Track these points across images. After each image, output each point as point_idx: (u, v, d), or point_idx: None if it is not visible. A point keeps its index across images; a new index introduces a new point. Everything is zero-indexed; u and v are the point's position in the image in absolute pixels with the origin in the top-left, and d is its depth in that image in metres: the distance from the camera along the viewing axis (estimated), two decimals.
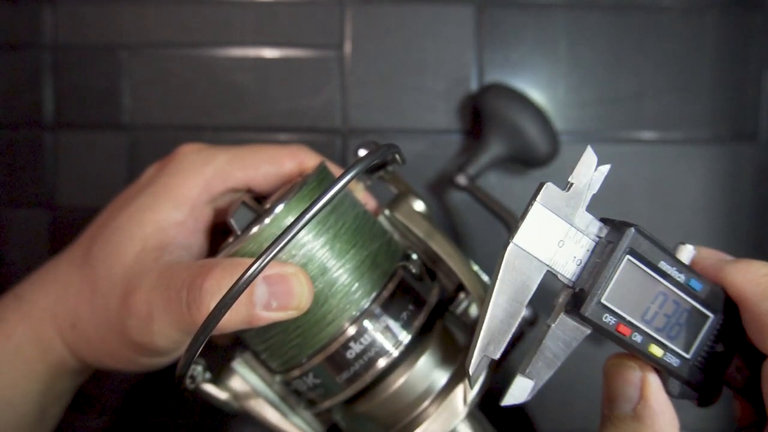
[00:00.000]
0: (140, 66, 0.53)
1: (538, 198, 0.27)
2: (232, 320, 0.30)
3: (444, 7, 0.52)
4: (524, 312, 0.27)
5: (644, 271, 0.27)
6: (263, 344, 0.34)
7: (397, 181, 0.39)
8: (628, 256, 0.27)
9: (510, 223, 0.46)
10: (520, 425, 0.51)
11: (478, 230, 0.52)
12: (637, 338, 0.28)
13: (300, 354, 0.33)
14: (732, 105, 0.52)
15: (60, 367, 0.38)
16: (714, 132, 0.52)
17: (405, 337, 0.33)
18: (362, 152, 0.35)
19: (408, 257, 0.36)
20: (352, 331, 0.33)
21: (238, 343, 0.37)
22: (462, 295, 0.38)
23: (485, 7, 0.52)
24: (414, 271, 0.35)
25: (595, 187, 0.28)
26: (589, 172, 0.28)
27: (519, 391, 0.28)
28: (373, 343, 0.33)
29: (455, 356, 0.35)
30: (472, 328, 0.37)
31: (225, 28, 0.52)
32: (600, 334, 0.28)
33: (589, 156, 0.28)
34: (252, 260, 0.25)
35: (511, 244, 0.27)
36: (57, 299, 0.36)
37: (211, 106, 0.53)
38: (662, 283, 0.28)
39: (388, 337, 0.33)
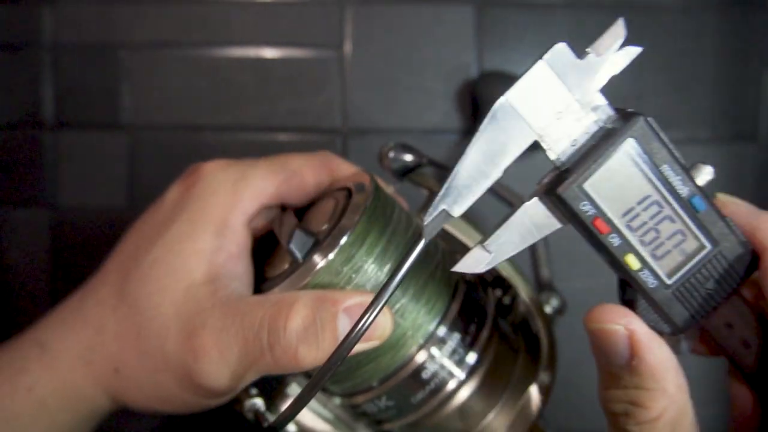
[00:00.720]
0: (140, 66, 0.53)
1: (545, 56, 0.23)
2: (317, 358, 0.28)
3: (444, 7, 0.52)
4: (499, 176, 0.24)
5: (641, 168, 0.24)
6: None
7: (426, 181, 0.37)
8: (628, 146, 0.24)
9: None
10: None
11: (486, 222, 0.51)
12: (615, 241, 0.25)
13: (371, 378, 0.32)
14: (732, 105, 0.52)
15: (91, 414, 0.35)
16: (714, 132, 0.52)
17: (476, 350, 0.33)
18: (391, 155, 0.34)
19: None
20: (426, 351, 0.32)
21: None
22: (499, 292, 0.38)
23: (485, 7, 0.52)
24: (471, 278, 0.34)
25: (618, 68, 0.24)
26: (614, 46, 0.24)
27: (473, 261, 0.25)
28: (446, 360, 0.32)
29: (515, 359, 0.35)
30: (521, 328, 0.37)
31: (225, 28, 0.52)
32: (575, 226, 0.25)
33: (618, 28, 0.24)
34: (335, 292, 0.25)
35: (502, 99, 0.24)
36: (90, 345, 0.33)
37: (211, 106, 0.53)
38: (660, 190, 0.25)
39: (460, 352, 0.33)
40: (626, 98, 0.52)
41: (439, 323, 0.32)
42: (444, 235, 0.35)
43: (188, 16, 0.52)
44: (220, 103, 0.52)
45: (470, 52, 0.52)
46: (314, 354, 0.27)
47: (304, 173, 0.34)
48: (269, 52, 0.52)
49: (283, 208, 0.35)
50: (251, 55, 0.52)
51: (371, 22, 0.52)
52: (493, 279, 0.38)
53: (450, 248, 0.36)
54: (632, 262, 0.25)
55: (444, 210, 0.24)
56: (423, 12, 0.52)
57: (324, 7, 0.52)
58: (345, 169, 0.35)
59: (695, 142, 0.52)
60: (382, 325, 0.29)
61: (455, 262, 0.34)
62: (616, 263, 0.25)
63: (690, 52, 0.52)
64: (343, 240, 0.30)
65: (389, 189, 0.36)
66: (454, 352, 0.32)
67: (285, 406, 0.34)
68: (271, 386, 0.34)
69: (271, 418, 0.34)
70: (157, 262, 0.32)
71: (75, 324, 0.34)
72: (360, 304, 0.29)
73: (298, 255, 0.30)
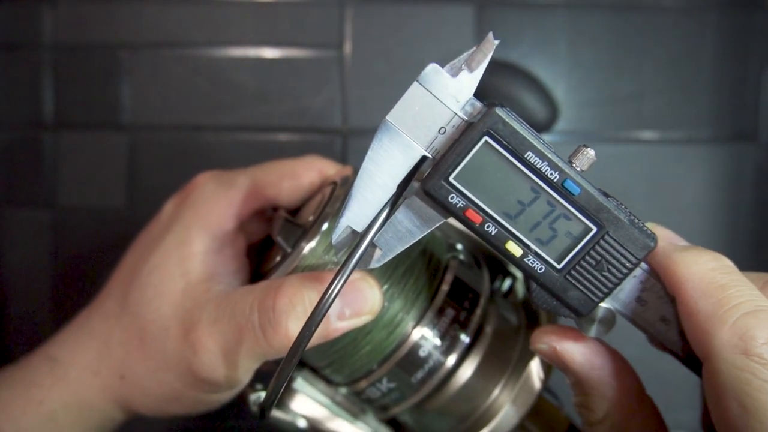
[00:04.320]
0: (140, 66, 0.53)
1: (419, 77, 0.25)
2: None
3: (444, 7, 0.52)
4: (393, 191, 0.26)
5: (505, 158, 0.25)
6: (329, 358, 0.34)
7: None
8: (486, 138, 0.25)
9: None
10: None
11: None
12: (491, 229, 0.26)
13: (371, 361, 0.33)
14: (732, 105, 0.52)
15: (101, 425, 0.36)
16: (714, 132, 0.52)
17: (469, 331, 0.34)
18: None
19: (453, 247, 0.36)
20: (420, 329, 0.33)
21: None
22: (501, 276, 0.38)
23: (485, 7, 0.52)
24: (463, 259, 0.35)
25: (482, 71, 0.25)
26: (485, 60, 0.25)
27: (370, 259, 0.27)
28: (441, 339, 0.33)
29: (516, 336, 0.35)
30: (522, 307, 0.38)
31: (225, 28, 0.52)
32: (454, 217, 0.26)
33: (488, 43, 0.25)
34: (320, 273, 0.25)
35: (384, 120, 0.25)
36: (98, 355, 0.35)
37: (211, 106, 0.53)
38: (531, 177, 0.25)
39: (454, 332, 0.33)
40: (626, 98, 0.52)
41: (430, 304, 0.33)
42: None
43: (188, 16, 0.52)
44: (220, 103, 0.52)
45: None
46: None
47: (293, 176, 0.36)
48: (269, 52, 0.52)
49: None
50: (251, 55, 0.52)
51: (371, 22, 0.52)
52: (487, 261, 0.38)
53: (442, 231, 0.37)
54: (513, 249, 0.26)
55: (348, 226, 0.26)
56: (423, 12, 0.52)
57: (324, 7, 0.52)
58: (331, 168, 0.37)
59: (695, 142, 0.52)
60: (371, 300, 0.30)
61: (441, 241, 0.35)
62: (500, 251, 0.26)
63: (690, 52, 0.52)
64: (325, 226, 0.31)
65: None
66: (446, 331, 0.33)
67: (295, 401, 0.35)
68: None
69: (276, 411, 0.34)
70: (155, 268, 0.33)
71: (83, 337, 0.35)
72: (350, 281, 0.29)
73: (285, 245, 0.32)
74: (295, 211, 0.37)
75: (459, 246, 0.37)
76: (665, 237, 0.28)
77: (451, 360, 0.33)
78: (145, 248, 0.36)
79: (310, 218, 0.33)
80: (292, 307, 0.29)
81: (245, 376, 0.32)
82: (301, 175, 0.36)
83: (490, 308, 0.36)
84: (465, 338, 0.34)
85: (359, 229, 0.26)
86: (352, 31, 0.52)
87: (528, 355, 0.34)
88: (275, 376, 0.26)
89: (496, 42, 0.25)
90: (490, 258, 0.38)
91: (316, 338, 0.30)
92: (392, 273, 0.33)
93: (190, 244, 0.34)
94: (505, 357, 0.34)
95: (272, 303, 0.29)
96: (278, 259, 0.33)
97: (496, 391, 0.34)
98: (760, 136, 0.52)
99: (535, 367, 0.34)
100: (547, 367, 0.34)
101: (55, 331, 0.37)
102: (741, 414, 0.23)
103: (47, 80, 0.53)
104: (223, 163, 0.53)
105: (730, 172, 0.52)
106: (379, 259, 0.27)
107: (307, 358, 0.35)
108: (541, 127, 0.49)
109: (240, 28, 0.52)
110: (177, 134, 0.53)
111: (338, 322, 0.30)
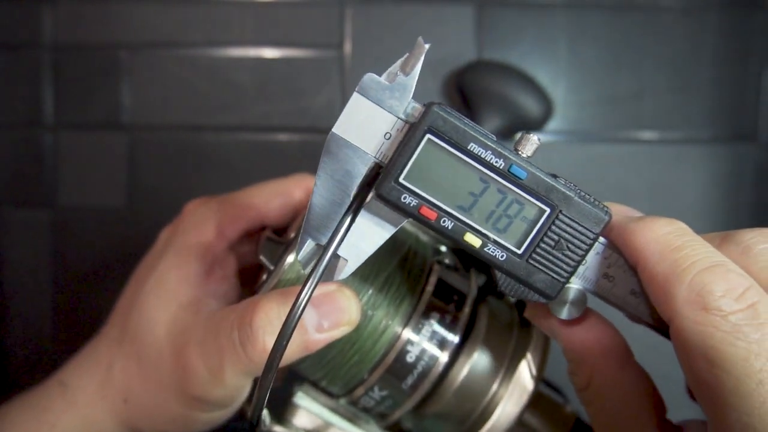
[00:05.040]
0: (140, 66, 0.53)
1: (357, 88, 0.26)
2: (290, 351, 0.29)
3: (444, 7, 0.52)
4: (350, 200, 0.26)
5: (450, 152, 0.26)
6: (321, 371, 0.34)
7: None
8: (428, 135, 0.25)
9: None
10: None
11: None
12: (447, 224, 0.26)
13: (361, 371, 0.33)
14: (732, 105, 0.52)
15: None
16: (714, 132, 0.52)
17: (458, 330, 0.34)
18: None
19: (438, 251, 0.36)
20: (406, 334, 0.33)
21: (290, 378, 0.37)
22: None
23: (485, 7, 0.52)
24: (448, 262, 0.35)
25: (417, 74, 0.26)
26: (418, 64, 0.26)
27: (336, 271, 0.27)
28: (429, 342, 0.33)
29: (509, 335, 0.35)
30: (515, 305, 0.38)
31: (225, 28, 0.52)
32: (410, 216, 0.26)
33: (419, 48, 0.26)
34: (298, 287, 0.26)
35: (331, 133, 0.26)
36: (103, 380, 0.36)
37: (211, 106, 0.53)
38: (478, 168, 0.26)
39: (441, 333, 0.33)
40: (626, 98, 0.52)
41: (414, 309, 0.33)
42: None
43: (188, 16, 0.52)
44: (220, 103, 0.52)
45: (470, 52, 0.52)
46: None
47: (281, 194, 0.37)
48: (269, 52, 0.52)
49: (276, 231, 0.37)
50: (251, 55, 0.52)
51: (371, 22, 0.52)
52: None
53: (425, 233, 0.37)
54: (472, 240, 0.26)
55: (311, 240, 0.27)
56: (423, 12, 0.52)
57: (324, 7, 0.52)
58: None
59: (695, 142, 0.52)
60: (348, 311, 0.31)
61: (425, 245, 0.35)
62: (459, 244, 0.27)
63: (690, 52, 0.52)
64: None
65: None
66: (433, 334, 0.33)
67: (297, 416, 0.35)
68: (281, 399, 0.35)
69: (277, 427, 0.35)
70: (149, 294, 0.35)
71: (90, 363, 0.37)
72: (326, 294, 0.30)
73: (267, 262, 0.33)
74: (284, 229, 0.37)
75: (444, 249, 0.36)
76: (621, 211, 0.28)
77: (442, 362, 0.33)
78: (142, 276, 0.37)
79: (292, 235, 0.34)
80: (268, 322, 0.30)
81: (238, 393, 0.33)
82: (289, 194, 0.37)
83: (481, 308, 0.36)
84: (454, 338, 0.34)
85: (322, 242, 0.27)
86: (352, 31, 0.52)
87: (522, 353, 0.34)
88: (256, 391, 0.26)
89: (427, 45, 0.26)
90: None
91: (297, 351, 0.30)
92: (373, 281, 0.33)
93: (180, 269, 0.35)
94: (499, 355, 0.35)
95: (250, 319, 0.30)
96: (264, 277, 0.34)
97: (493, 389, 0.34)
98: (760, 136, 0.52)
99: (528, 364, 0.34)
100: (541, 363, 0.34)
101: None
102: (709, 369, 0.23)
103: (47, 80, 0.53)
104: (223, 163, 0.53)
105: (730, 172, 0.52)
106: (346, 269, 0.27)
107: (304, 372, 0.35)
108: (536, 123, 0.49)
109: (240, 28, 0.52)
110: (177, 134, 0.53)
111: (317, 335, 0.30)
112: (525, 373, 0.34)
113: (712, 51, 0.52)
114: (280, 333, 0.26)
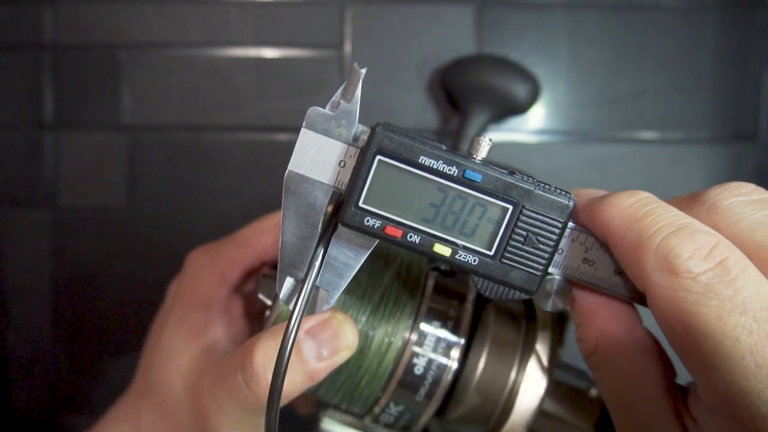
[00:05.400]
0: (140, 66, 0.53)
1: (303, 123, 0.27)
2: (294, 384, 0.30)
3: (444, 7, 0.52)
4: (318, 233, 0.27)
5: (402, 169, 0.26)
6: (338, 395, 0.34)
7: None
8: (378, 156, 0.26)
9: None
10: None
11: None
12: (414, 239, 0.26)
13: (374, 390, 0.34)
14: (732, 105, 0.52)
15: None
16: (714, 132, 0.52)
17: (462, 332, 0.34)
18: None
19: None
20: (410, 347, 0.33)
21: (319, 404, 0.37)
22: None
23: (485, 7, 0.52)
24: (444, 267, 0.35)
25: (358, 100, 0.27)
26: (358, 89, 0.27)
27: (318, 302, 0.28)
28: (434, 350, 0.33)
29: (517, 327, 0.35)
30: (522, 302, 0.38)
31: (225, 28, 0.52)
32: (377, 237, 0.27)
33: (356, 74, 0.27)
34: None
35: (287, 171, 0.27)
36: None
37: (211, 106, 0.53)
38: (433, 179, 0.26)
39: (446, 338, 0.33)
40: (626, 98, 0.52)
41: (415, 320, 0.33)
42: None
43: (188, 16, 0.52)
44: (220, 103, 0.52)
45: (470, 52, 0.52)
46: (287, 380, 0.29)
47: (277, 228, 0.37)
48: (269, 52, 0.52)
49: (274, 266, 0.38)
50: (251, 55, 0.52)
51: (371, 22, 0.52)
52: None
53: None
54: (442, 250, 0.27)
55: (289, 277, 0.27)
56: (423, 12, 0.52)
57: (324, 7, 0.52)
58: None
59: (695, 142, 0.52)
60: (344, 337, 0.31)
61: (422, 258, 0.35)
62: (430, 256, 0.27)
63: (690, 52, 0.52)
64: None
65: None
66: (438, 341, 0.33)
67: None
68: (312, 425, 0.37)
69: None
70: (164, 349, 0.36)
71: (120, 418, 0.39)
72: (321, 323, 0.31)
73: (266, 300, 0.33)
74: None
75: None
76: (586, 194, 0.28)
77: (452, 367, 0.33)
78: (157, 333, 0.39)
79: None
80: (268, 360, 0.30)
81: (256, 430, 0.34)
82: None
83: (486, 305, 0.36)
84: (460, 341, 0.34)
85: (300, 277, 0.27)
86: (352, 31, 0.52)
87: (532, 343, 0.34)
88: (265, 426, 0.27)
89: (363, 71, 0.27)
90: None
91: (304, 382, 0.31)
92: (369, 300, 0.33)
93: (187, 321, 0.36)
94: (510, 348, 0.35)
95: (250, 360, 0.30)
96: (267, 313, 0.34)
97: (510, 383, 0.34)
98: (760, 136, 0.52)
99: (540, 354, 0.34)
100: (552, 351, 0.34)
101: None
102: (687, 333, 0.22)
103: (47, 80, 0.53)
104: (223, 163, 0.53)
105: (730, 172, 0.52)
106: (328, 299, 0.28)
107: (323, 398, 0.36)
108: (525, 104, 0.49)
109: (240, 28, 0.52)
110: (177, 134, 0.53)
111: (318, 363, 0.31)
112: (537, 363, 0.34)
113: (713, 51, 0.52)
114: (275, 369, 0.26)
